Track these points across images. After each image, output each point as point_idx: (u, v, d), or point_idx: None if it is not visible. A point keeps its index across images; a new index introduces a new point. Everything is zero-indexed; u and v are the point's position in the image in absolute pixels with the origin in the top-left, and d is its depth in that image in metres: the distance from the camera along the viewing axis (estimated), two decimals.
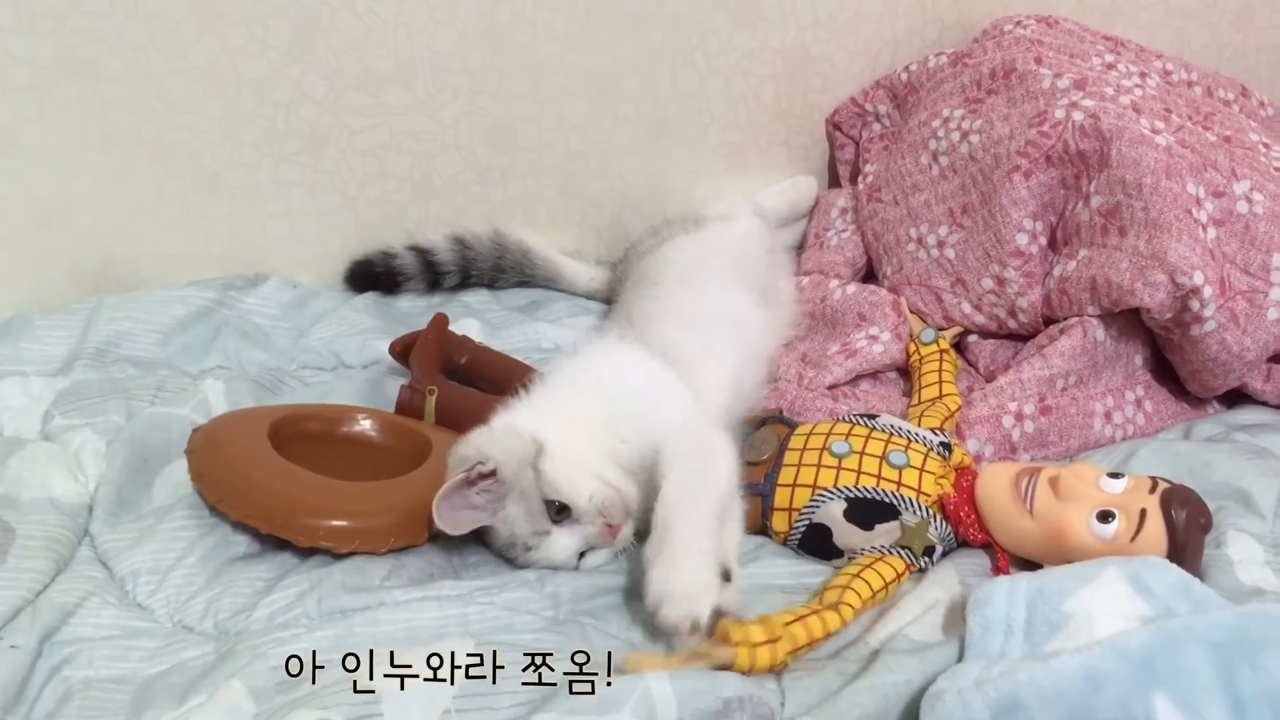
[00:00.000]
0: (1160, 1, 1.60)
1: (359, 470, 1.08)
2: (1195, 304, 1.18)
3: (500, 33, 1.41)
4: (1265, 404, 1.28)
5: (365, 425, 1.15)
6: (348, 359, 1.34)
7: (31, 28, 1.29)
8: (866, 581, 0.97)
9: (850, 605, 0.95)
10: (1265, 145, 1.29)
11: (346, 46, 1.37)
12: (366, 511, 1.01)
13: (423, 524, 1.02)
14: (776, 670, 0.89)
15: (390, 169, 1.45)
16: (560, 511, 1.00)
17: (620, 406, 1.05)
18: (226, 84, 1.36)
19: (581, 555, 1.01)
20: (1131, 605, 0.87)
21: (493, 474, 0.99)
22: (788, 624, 0.90)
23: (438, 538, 1.03)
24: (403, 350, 1.27)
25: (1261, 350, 1.22)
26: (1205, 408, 1.29)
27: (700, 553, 0.92)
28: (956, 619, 0.94)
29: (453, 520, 0.98)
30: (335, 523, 0.99)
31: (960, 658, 0.88)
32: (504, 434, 1.02)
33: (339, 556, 1.00)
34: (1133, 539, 0.96)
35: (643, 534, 0.99)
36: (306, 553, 1.01)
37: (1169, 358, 1.27)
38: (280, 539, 1.00)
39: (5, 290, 1.37)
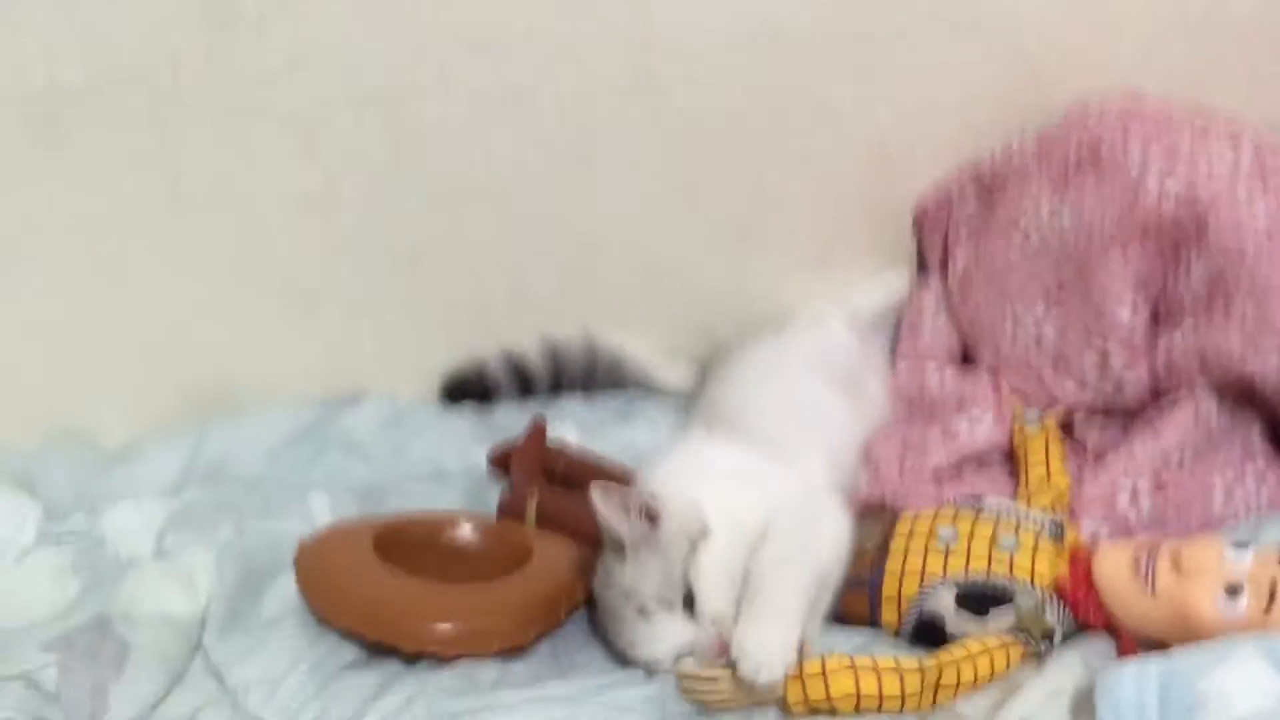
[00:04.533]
0: (1248, 70, 1.57)
1: (463, 576, 1.08)
2: None
3: (586, 145, 1.45)
4: None
5: (467, 531, 1.16)
6: (448, 469, 1.35)
7: (142, 167, 1.36)
8: (964, 646, 0.95)
9: (937, 665, 0.93)
10: None
11: (440, 165, 1.42)
12: (472, 615, 1.01)
13: (529, 625, 1.02)
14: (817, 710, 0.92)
15: (483, 281, 1.48)
16: (688, 601, 0.98)
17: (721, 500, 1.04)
18: (326, 206, 1.41)
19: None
20: (1272, 683, 0.83)
21: (656, 518, 0.99)
22: (849, 666, 0.92)
23: (544, 638, 1.02)
24: (501, 459, 1.28)
25: None
26: None
27: (785, 615, 0.94)
28: (1084, 705, 0.90)
29: (612, 502, 0.98)
30: (441, 627, 0.99)
31: None
32: (682, 499, 1.01)
33: (446, 661, 1.00)
34: (1265, 613, 0.92)
35: None
36: (414, 659, 1.01)
37: None
38: (387, 646, 1.01)
39: (119, 417, 1.42)
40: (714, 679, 0.93)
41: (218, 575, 1.14)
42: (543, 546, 1.11)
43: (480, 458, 1.33)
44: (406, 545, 1.12)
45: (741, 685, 0.92)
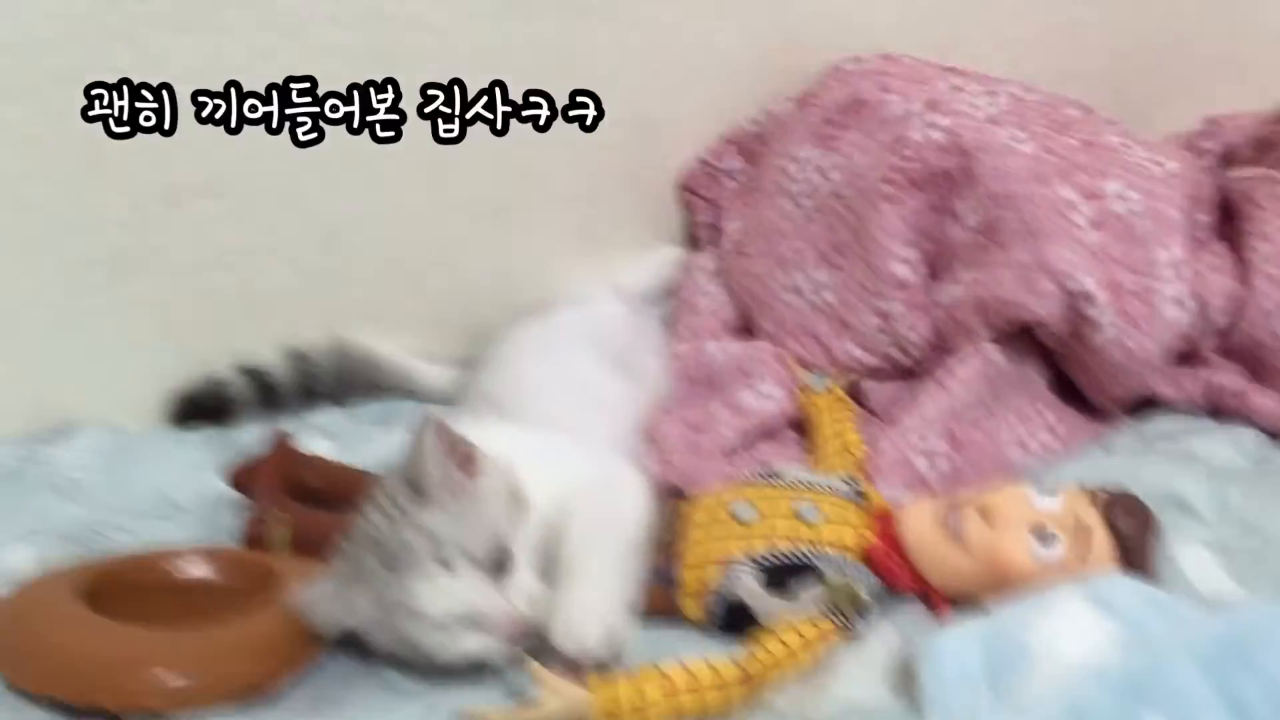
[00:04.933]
0: (995, 34, 1.58)
1: (198, 618, 0.91)
2: (1089, 310, 1.12)
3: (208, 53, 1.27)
4: (1175, 409, 1.22)
5: (200, 566, 0.99)
6: (182, 502, 1.17)
7: None
8: (777, 637, 0.86)
9: (758, 666, 0.84)
10: (1125, 145, 1.25)
11: (143, 158, 1.23)
12: (204, 661, 0.85)
13: (276, 666, 0.86)
14: None
15: (211, 287, 1.30)
16: (499, 564, 0.87)
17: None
18: (13, 210, 1.21)
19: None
20: (1100, 629, 0.78)
21: (477, 472, 0.88)
22: (672, 694, 0.81)
23: (296, 678, 0.87)
24: (242, 478, 1.12)
25: (1163, 350, 1.16)
26: (1116, 422, 1.22)
27: (604, 584, 0.88)
28: (906, 678, 0.83)
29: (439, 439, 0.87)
30: (164, 679, 0.83)
31: None
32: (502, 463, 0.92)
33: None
34: (1080, 557, 0.87)
35: None
36: None
37: (1071, 374, 1.21)
38: (102, 711, 0.83)
39: None
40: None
41: None
42: (292, 573, 0.95)
43: (220, 485, 1.16)
44: (124, 590, 0.94)
45: (549, 713, 0.81)
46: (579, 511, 0.93)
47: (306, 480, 1.12)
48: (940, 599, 0.91)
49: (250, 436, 1.27)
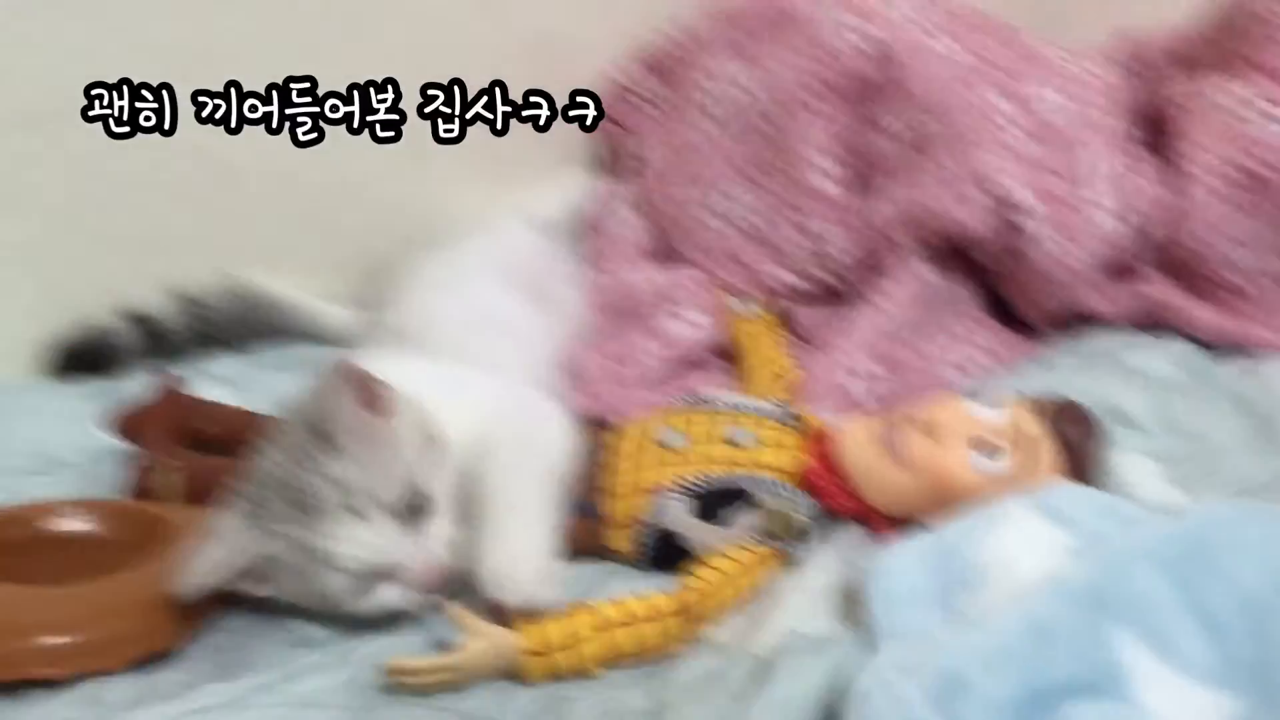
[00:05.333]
0: None
1: (86, 575, 0.83)
2: (1019, 218, 1.08)
3: (210, 52, 1.20)
4: (1108, 325, 1.19)
5: (83, 519, 0.90)
6: (63, 456, 1.08)
7: None
8: (717, 568, 0.82)
9: (698, 598, 0.79)
10: (1056, 53, 1.21)
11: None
12: (92, 619, 0.78)
13: (174, 623, 0.79)
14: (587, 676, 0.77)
15: (86, 224, 1.20)
16: (415, 509, 0.81)
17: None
18: None
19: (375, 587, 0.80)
20: (1054, 539, 0.74)
21: (387, 413, 0.82)
22: (604, 629, 0.77)
23: (197, 635, 0.80)
24: (129, 426, 1.03)
25: (1095, 260, 1.13)
26: (1049, 340, 1.19)
27: (532, 526, 0.82)
28: (853, 604, 0.78)
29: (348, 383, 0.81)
30: (49, 640, 0.75)
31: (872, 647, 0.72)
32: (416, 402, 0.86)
33: (62, 685, 0.75)
34: (1025, 469, 0.83)
35: None
36: (17, 691, 0.75)
37: (1003, 292, 1.18)
38: None
39: None
40: (434, 668, 0.75)
41: None
42: (186, 523, 0.88)
43: (103, 438, 1.07)
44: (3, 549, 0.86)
45: (475, 656, 0.75)
46: (497, 448, 0.87)
47: (200, 426, 1.04)
48: (881, 520, 0.86)
49: (136, 386, 1.18)
